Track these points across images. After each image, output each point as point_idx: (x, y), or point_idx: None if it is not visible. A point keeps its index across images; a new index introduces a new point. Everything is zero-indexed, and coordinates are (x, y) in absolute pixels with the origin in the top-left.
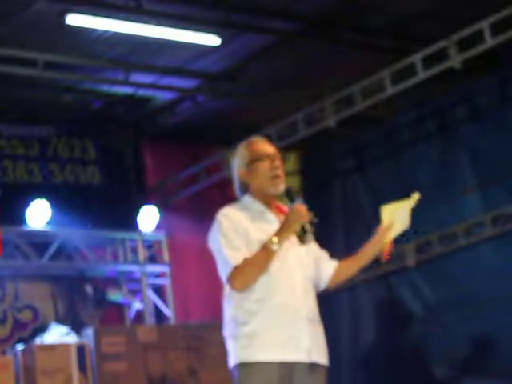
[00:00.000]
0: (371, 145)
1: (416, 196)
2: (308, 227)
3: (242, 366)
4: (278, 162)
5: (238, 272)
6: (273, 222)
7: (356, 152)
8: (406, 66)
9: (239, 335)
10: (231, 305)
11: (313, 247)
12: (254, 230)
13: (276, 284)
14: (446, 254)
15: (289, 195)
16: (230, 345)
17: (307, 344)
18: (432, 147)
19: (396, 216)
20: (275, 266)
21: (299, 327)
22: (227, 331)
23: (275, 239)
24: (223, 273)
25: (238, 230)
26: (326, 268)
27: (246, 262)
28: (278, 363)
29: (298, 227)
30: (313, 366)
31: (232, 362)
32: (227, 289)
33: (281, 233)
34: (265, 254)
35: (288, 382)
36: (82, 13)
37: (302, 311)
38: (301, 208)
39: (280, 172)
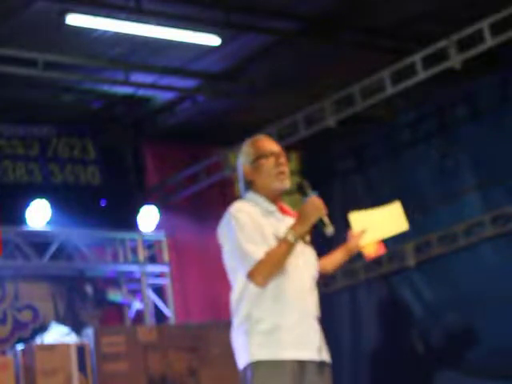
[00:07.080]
0: (371, 145)
1: (396, 205)
2: (326, 220)
3: (258, 364)
4: (282, 159)
5: (260, 266)
6: (281, 219)
7: (356, 152)
8: (406, 66)
9: (254, 332)
10: (245, 302)
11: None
12: (267, 225)
13: (288, 282)
14: (446, 254)
15: (302, 189)
16: (242, 343)
17: (317, 342)
18: (432, 147)
19: (368, 223)
20: (287, 263)
21: (309, 325)
22: (240, 329)
23: (293, 232)
24: (243, 268)
25: (255, 224)
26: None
27: (269, 255)
28: (293, 361)
29: (315, 220)
30: (321, 365)
31: (244, 360)
32: (240, 286)
33: (298, 226)
34: (285, 247)
35: (300, 380)
36: (82, 13)
37: (311, 309)
38: (317, 200)
39: (285, 168)
